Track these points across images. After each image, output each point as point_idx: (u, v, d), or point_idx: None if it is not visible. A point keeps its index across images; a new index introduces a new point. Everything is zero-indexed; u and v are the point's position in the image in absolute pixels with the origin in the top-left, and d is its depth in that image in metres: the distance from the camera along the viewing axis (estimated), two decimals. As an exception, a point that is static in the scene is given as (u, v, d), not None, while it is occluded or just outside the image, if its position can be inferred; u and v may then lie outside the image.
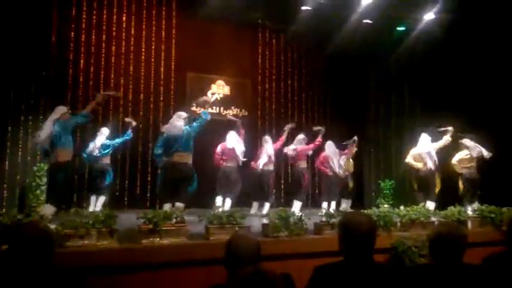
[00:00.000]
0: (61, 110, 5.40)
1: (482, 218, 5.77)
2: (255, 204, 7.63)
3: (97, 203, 6.99)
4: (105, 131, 7.24)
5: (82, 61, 8.61)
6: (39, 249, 1.78)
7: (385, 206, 7.54)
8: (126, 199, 8.70)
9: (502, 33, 8.22)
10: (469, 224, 5.69)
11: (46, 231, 1.89)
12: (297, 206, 7.47)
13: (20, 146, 7.44)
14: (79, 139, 7.45)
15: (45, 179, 6.99)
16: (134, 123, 7.62)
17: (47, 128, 5.21)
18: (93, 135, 7.33)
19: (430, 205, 6.89)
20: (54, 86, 8.04)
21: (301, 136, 7.99)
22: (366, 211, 5.04)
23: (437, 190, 7.35)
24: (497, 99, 8.48)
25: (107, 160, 7.24)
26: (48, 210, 5.05)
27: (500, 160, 7.88)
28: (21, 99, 7.47)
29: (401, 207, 5.69)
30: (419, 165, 7.39)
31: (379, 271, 1.88)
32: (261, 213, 7.30)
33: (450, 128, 7.41)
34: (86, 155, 7.16)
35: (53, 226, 3.50)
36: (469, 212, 6.21)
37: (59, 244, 3.55)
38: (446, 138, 7.41)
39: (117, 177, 8.49)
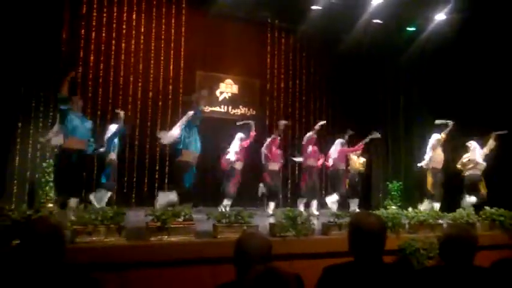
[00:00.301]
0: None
1: (492, 221, 5.72)
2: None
3: (103, 199, 6.98)
4: (112, 127, 7.25)
5: (92, 58, 8.66)
6: (49, 244, 1.78)
7: (393, 207, 7.52)
8: (133, 196, 8.73)
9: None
10: (478, 227, 5.65)
11: (57, 227, 1.88)
12: (299, 204, 7.55)
13: (30, 142, 7.50)
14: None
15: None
16: (122, 113, 7.04)
17: None
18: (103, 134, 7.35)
19: (424, 204, 7.12)
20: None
21: (308, 134, 7.99)
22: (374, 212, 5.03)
23: (428, 187, 7.37)
24: (510, 100, 8.37)
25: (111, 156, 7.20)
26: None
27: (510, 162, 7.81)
28: (31, 95, 7.53)
29: (410, 209, 5.66)
30: None
31: (389, 272, 1.87)
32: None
33: (450, 122, 7.37)
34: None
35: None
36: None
37: (69, 240, 3.58)
38: (438, 136, 7.41)
39: (125, 175, 8.55)
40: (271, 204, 7.59)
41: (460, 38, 8.77)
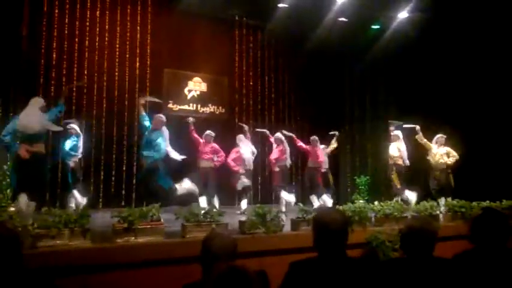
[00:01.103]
0: (40, 101, 5.31)
1: (454, 212, 5.96)
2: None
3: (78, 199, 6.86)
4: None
5: (54, 56, 8.37)
6: (9, 249, 1.75)
7: (361, 201, 7.68)
8: (100, 199, 8.53)
9: (474, 32, 8.43)
10: (441, 218, 5.87)
11: (15, 232, 1.86)
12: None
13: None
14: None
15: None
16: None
17: (41, 118, 5.08)
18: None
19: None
20: (25, 81, 7.78)
21: (277, 134, 8.03)
22: (341, 207, 5.13)
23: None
24: (469, 97, 8.71)
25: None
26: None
27: (471, 157, 8.12)
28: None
29: (376, 203, 5.80)
30: None
31: (352, 266, 1.91)
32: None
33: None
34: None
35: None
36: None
37: (31, 245, 3.47)
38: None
39: (91, 177, 8.34)
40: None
41: (422, 36, 9.04)
